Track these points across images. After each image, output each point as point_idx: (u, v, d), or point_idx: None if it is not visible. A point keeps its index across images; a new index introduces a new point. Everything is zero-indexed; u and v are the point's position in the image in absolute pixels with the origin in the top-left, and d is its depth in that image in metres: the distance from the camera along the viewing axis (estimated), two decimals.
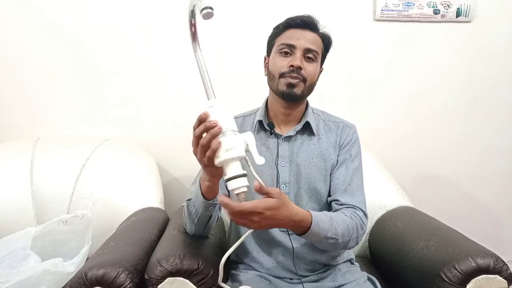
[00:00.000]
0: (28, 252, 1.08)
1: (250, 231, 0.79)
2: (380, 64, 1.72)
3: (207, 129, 0.72)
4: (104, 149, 1.47)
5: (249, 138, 0.74)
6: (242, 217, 0.74)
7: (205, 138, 0.72)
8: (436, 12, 1.68)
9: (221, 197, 0.73)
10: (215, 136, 0.71)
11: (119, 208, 1.31)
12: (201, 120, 0.73)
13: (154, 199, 1.36)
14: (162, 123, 1.67)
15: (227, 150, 0.71)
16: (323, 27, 0.99)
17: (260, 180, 0.74)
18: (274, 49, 0.99)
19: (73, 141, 1.53)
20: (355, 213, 0.94)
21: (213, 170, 0.78)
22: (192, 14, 0.75)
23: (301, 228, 0.83)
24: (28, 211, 1.32)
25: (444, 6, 1.67)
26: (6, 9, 1.56)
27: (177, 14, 1.60)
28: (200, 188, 0.86)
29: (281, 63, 0.96)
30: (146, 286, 0.87)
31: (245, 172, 0.73)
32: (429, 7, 1.67)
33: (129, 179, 1.40)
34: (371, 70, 1.72)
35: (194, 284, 0.87)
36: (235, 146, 0.71)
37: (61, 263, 0.96)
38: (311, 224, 0.83)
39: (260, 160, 0.74)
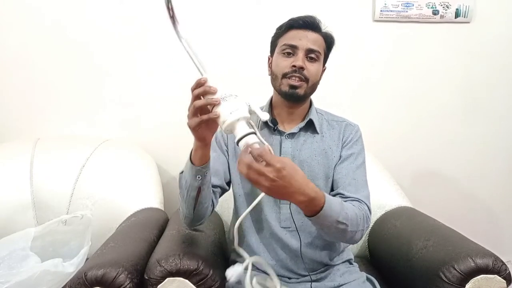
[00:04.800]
0: (28, 252, 1.08)
1: (262, 194, 0.72)
2: (379, 65, 1.73)
3: (206, 93, 0.73)
4: (103, 150, 1.47)
5: (250, 100, 0.75)
6: (259, 169, 0.67)
7: (200, 101, 0.73)
8: (435, 12, 1.68)
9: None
10: (213, 103, 0.72)
11: (119, 208, 1.31)
12: (199, 83, 0.74)
13: (153, 199, 1.36)
14: (162, 123, 1.67)
15: (231, 113, 0.71)
16: (325, 27, 1.00)
17: (267, 144, 0.72)
18: (277, 50, 1.00)
19: (72, 142, 1.53)
20: (361, 206, 0.93)
21: (199, 133, 0.79)
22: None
23: (314, 207, 0.76)
24: (28, 212, 1.32)
25: (443, 7, 1.68)
26: (5, 9, 1.56)
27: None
28: (190, 154, 0.86)
29: (284, 64, 0.97)
30: (145, 286, 0.87)
31: (253, 130, 0.71)
32: (428, 7, 1.67)
33: (129, 179, 1.40)
34: (370, 70, 1.73)
35: (194, 284, 0.87)
36: (238, 107, 0.72)
37: (61, 264, 0.95)
38: (324, 204, 0.76)
39: (264, 116, 0.74)
